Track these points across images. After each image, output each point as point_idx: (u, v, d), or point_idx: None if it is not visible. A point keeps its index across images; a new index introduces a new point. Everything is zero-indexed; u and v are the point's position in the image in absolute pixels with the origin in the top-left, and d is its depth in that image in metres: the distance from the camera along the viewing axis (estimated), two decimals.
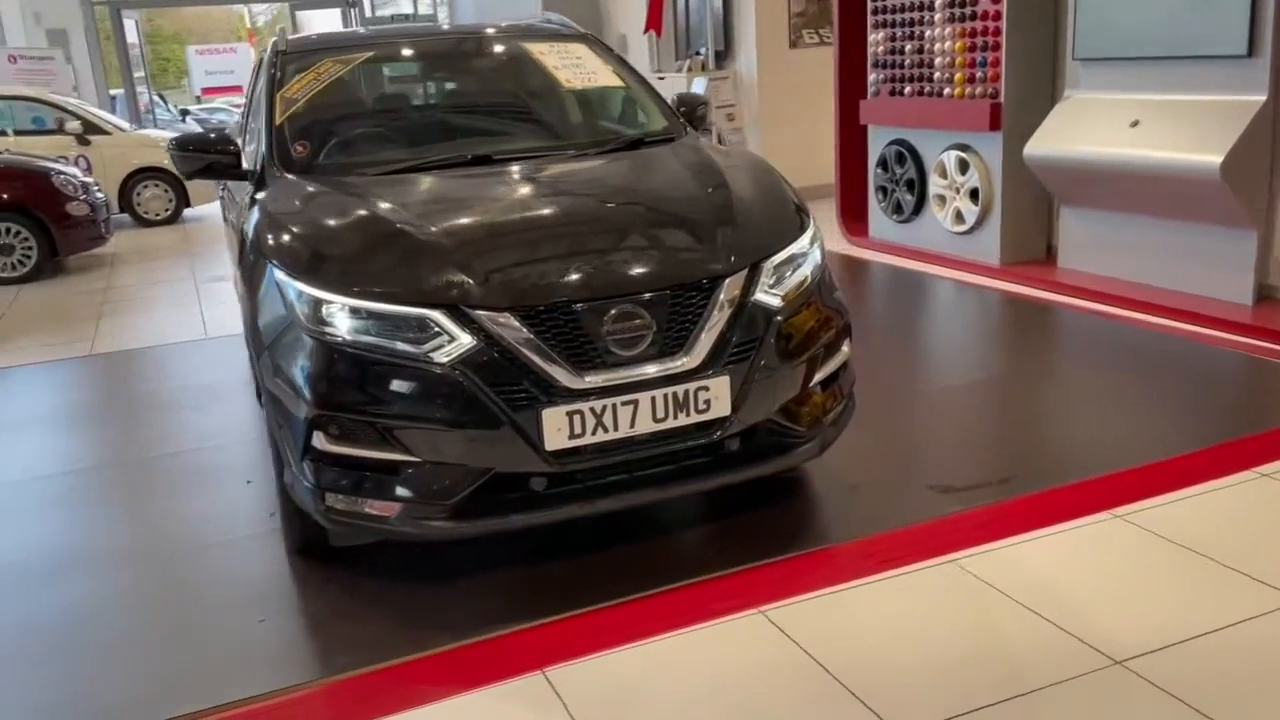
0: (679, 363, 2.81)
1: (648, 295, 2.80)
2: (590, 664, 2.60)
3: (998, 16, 6.19)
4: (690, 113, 4.20)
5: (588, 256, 2.90)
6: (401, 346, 2.68)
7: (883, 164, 7.36)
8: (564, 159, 3.65)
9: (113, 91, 15.87)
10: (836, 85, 7.71)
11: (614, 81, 4.15)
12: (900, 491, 3.52)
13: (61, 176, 8.70)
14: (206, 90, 33.06)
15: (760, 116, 9.69)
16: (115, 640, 2.88)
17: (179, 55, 38.13)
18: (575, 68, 4.11)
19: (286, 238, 3.01)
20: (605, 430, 2.75)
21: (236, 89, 32.98)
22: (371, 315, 2.72)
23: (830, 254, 6.89)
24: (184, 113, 19.34)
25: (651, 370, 2.78)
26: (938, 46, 6.66)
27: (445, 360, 2.66)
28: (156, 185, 11.31)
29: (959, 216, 6.72)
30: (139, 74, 16.75)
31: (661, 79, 10.50)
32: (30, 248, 8.36)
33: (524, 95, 4.18)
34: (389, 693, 2.55)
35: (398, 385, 2.68)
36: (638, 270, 2.88)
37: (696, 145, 3.78)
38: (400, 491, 2.73)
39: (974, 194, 6.54)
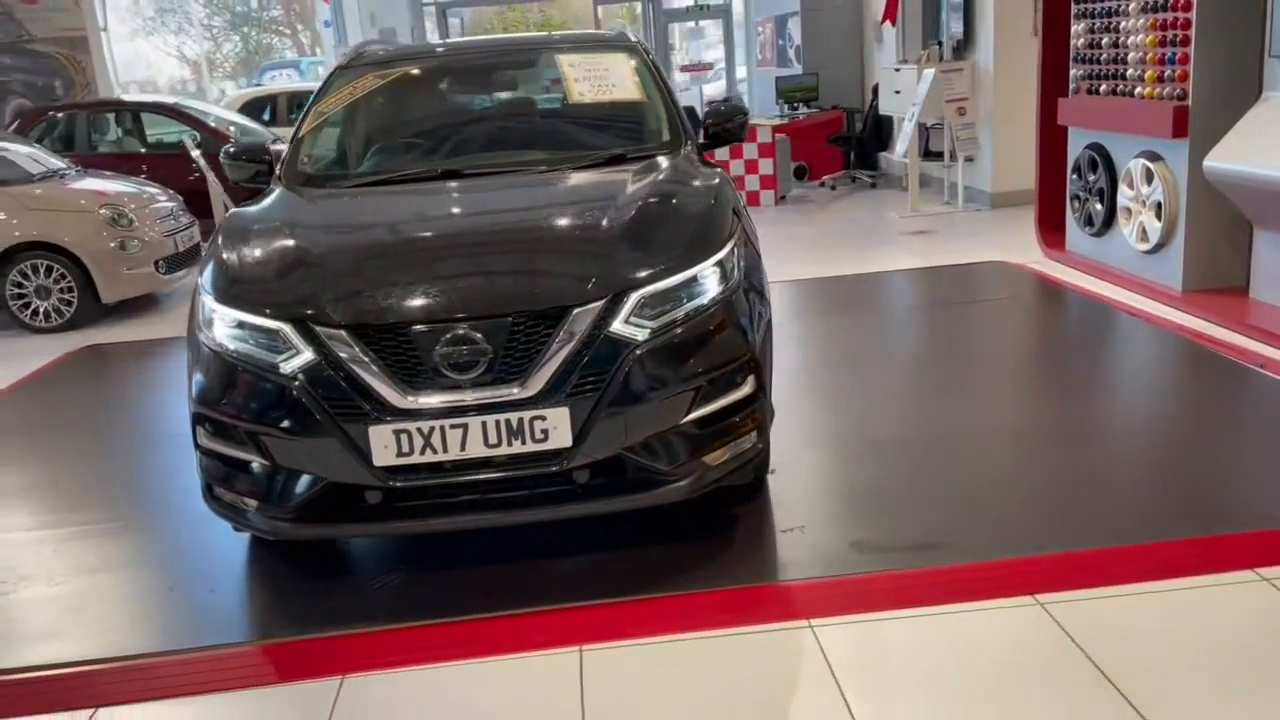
0: (511, 390, 2.81)
1: (486, 321, 2.82)
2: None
3: (1188, 6, 5.35)
4: (719, 126, 4.07)
5: (441, 280, 2.97)
6: (259, 356, 2.90)
7: (1077, 170, 6.61)
8: (524, 175, 3.71)
9: None
10: (1039, 82, 7.00)
11: (631, 95, 4.11)
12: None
13: None
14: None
15: (995, 110, 8.97)
16: None
17: None
18: (596, 80, 4.13)
19: (214, 248, 3.32)
20: (434, 451, 2.81)
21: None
22: (239, 325, 2.96)
23: (1005, 267, 6.33)
24: None
25: (481, 395, 2.81)
26: (1131, 40, 5.86)
27: (288, 371, 2.85)
28: None
29: (1143, 233, 5.91)
30: None
31: (897, 71, 10.03)
32: None
33: (531, 109, 4.26)
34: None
35: (254, 392, 2.91)
36: (481, 296, 2.91)
37: (662, 164, 3.68)
38: (255, 490, 2.96)
39: (1159, 209, 5.72)
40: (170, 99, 11.74)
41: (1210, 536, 3.11)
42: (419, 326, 2.82)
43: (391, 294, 2.91)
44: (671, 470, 2.96)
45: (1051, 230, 7.11)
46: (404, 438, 2.80)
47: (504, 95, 4.42)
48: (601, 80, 4.13)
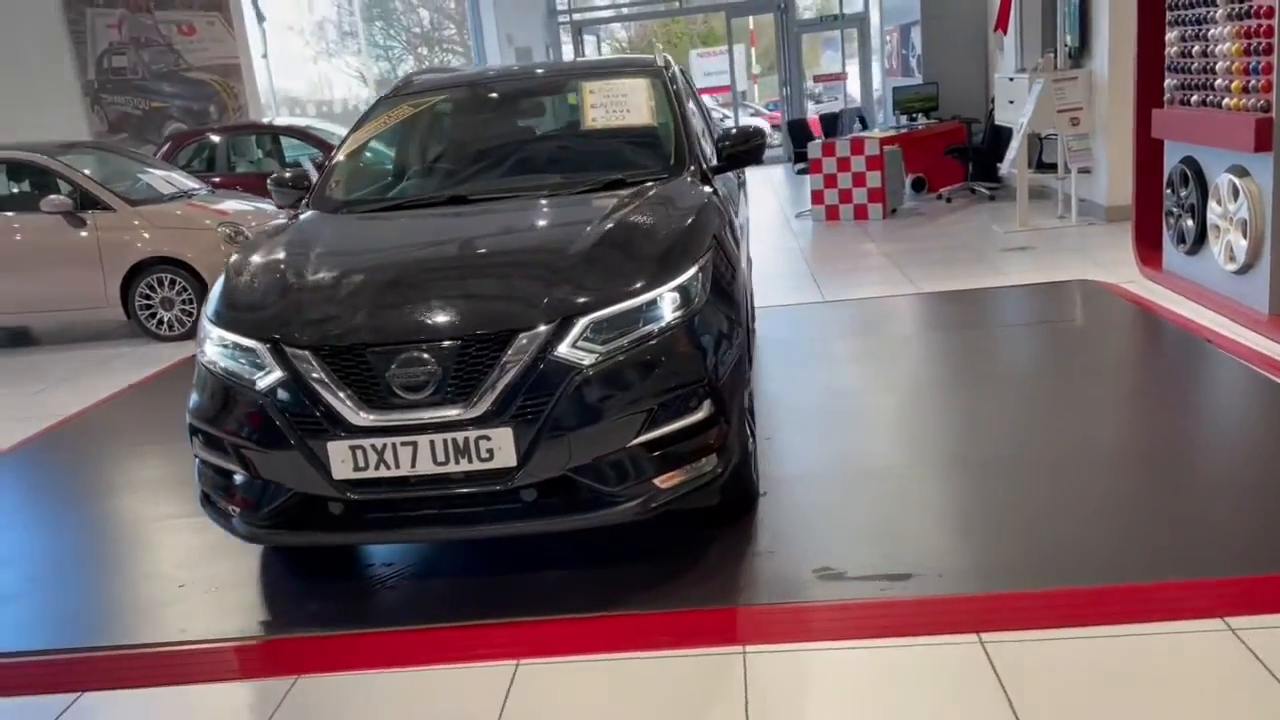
0: (457, 410, 2.94)
1: (436, 344, 2.96)
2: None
3: (1270, 13, 5.02)
4: (734, 149, 4.11)
5: (398, 304, 3.13)
6: (242, 374, 3.13)
7: (1170, 184, 6.26)
8: (519, 201, 3.85)
9: None
10: (1135, 93, 6.66)
11: (643, 120, 4.19)
12: None
13: None
14: (700, 90, 35.53)
15: (1111, 121, 8.56)
16: None
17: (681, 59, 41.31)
18: (612, 106, 4.23)
19: (224, 270, 3.58)
20: (387, 467, 2.97)
21: (725, 89, 35.21)
22: (223, 343, 3.20)
23: (1091, 286, 6.06)
24: None
25: (430, 415, 2.95)
26: (1219, 48, 5.53)
27: (262, 389, 3.06)
28: None
29: (1230, 253, 5.56)
30: None
31: (1011, 80, 9.71)
32: None
33: (546, 136, 4.38)
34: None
35: (235, 406, 3.14)
36: (434, 320, 3.04)
37: (653, 189, 3.75)
38: (237, 497, 3.19)
39: (1244, 227, 5.37)
40: (304, 122, 12.45)
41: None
42: (374, 348, 2.99)
43: (352, 317, 3.09)
44: (619, 491, 3.03)
45: (1149, 248, 6.75)
46: (359, 453, 2.96)
47: (523, 123, 4.56)
48: (617, 106, 4.22)
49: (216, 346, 3.22)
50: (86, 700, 2.90)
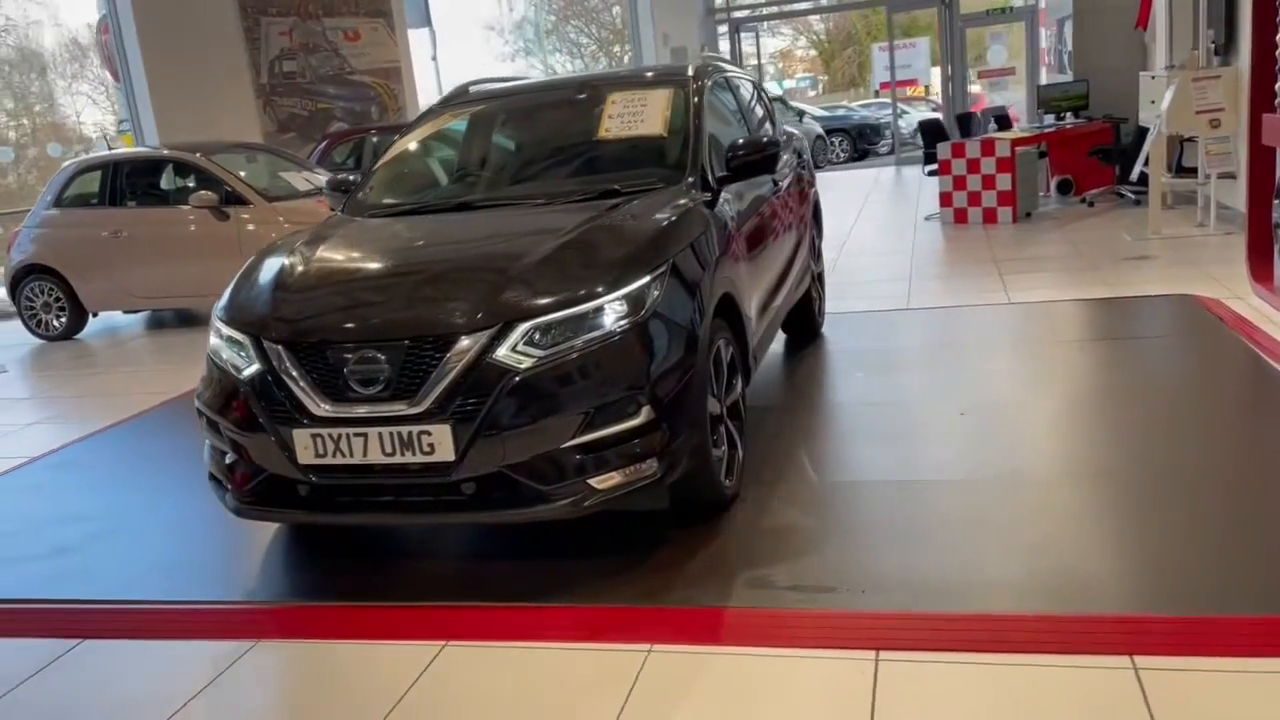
0: (403, 406, 3.17)
1: (387, 344, 3.20)
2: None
3: None
4: (741, 159, 4.18)
5: (361, 305, 3.38)
6: (234, 363, 3.46)
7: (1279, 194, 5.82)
8: (514, 209, 4.05)
9: None
10: (1249, 97, 6.21)
11: (654, 131, 4.29)
12: None
13: None
14: (884, 85, 34.69)
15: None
16: None
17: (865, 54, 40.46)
18: (629, 117, 4.35)
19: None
20: (343, 455, 3.24)
21: (912, 82, 34.11)
22: (223, 335, 3.55)
23: (1190, 302, 5.77)
24: (800, 114, 20.89)
25: (378, 409, 3.19)
26: None
27: (245, 377, 3.39)
28: None
29: None
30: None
31: (1153, 79, 9.16)
32: None
33: (557, 146, 4.53)
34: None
35: (226, 392, 3.48)
36: (385, 321, 3.28)
37: (641, 199, 3.86)
38: (228, 475, 3.53)
39: None
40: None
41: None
42: (334, 346, 3.25)
43: (319, 317, 3.37)
44: (554, 490, 3.18)
45: (1263, 261, 6.29)
46: (319, 440, 3.24)
47: (542, 133, 4.72)
48: (634, 117, 4.34)
49: (219, 339, 3.58)
50: (86, 645, 3.31)
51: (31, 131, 26.65)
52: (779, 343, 6.12)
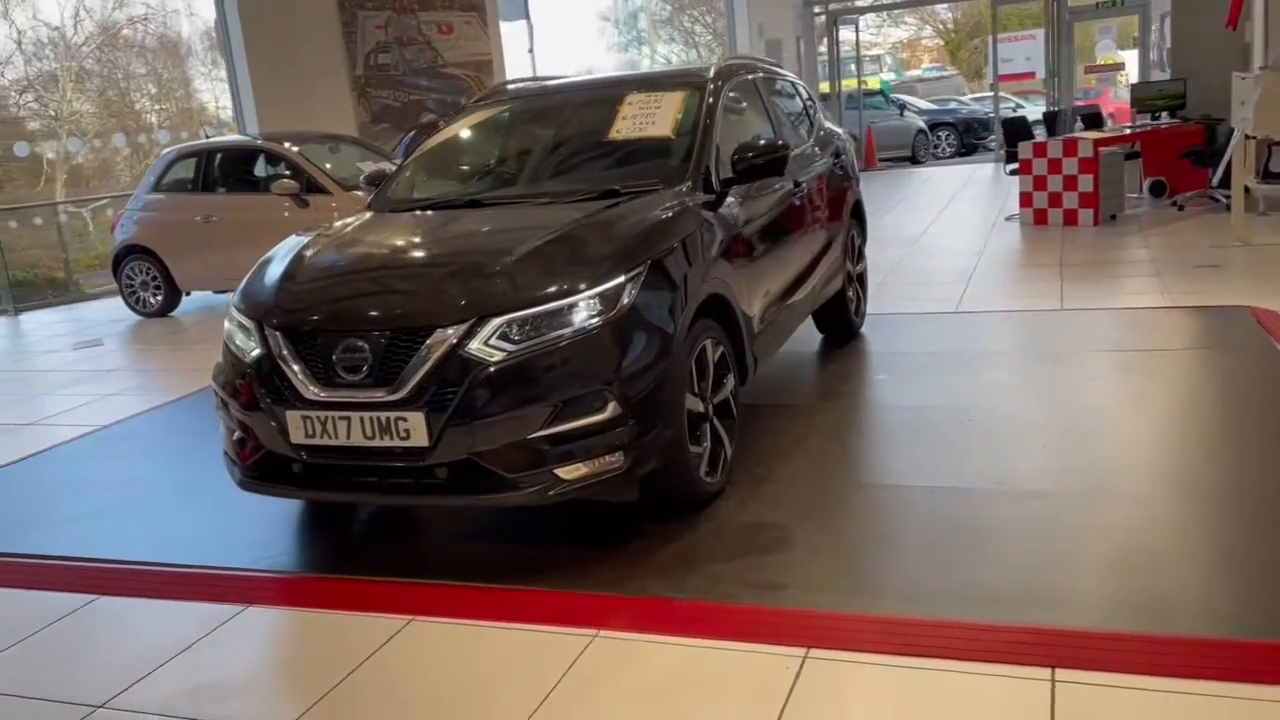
0: (382, 393, 3.36)
1: (370, 334, 3.40)
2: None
3: None
4: (747, 163, 4.24)
5: (353, 296, 3.59)
6: (243, 347, 3.71)
7: None
8: (517, 207, 4.21)
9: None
10: None
11: (663, 133, 4.38)
12: None
13: None
14: (1002, 77, 33.66)
15: None
16: None
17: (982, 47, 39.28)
18: (642, 118, 4.45)
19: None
20: (330, 437, 3.45)
21: (1030, 75, 32.96)
22: (232, 320, 3.80)
23: (1245, 313, 5.82)
24: (900, 108, 20.54)
25: (361, 395, 3.39)
26: None
27: (249, 359, 3.63)
28: None
29: None
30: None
31: (1243, 79, 8.78)
32: None
33: (569, 147, 4.65)
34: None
35: (235, 374, 3.73)
36: (369, 312, 3.48)
37: (637, 199, 3.96)
38: (236, 451, 3.79)
39: None
40: None
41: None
42: (324, 334, 3.47)
43: (315, 306, 3.59)
44: (520, 477, 3.33)
45: None
46: (308, 422, 3.46)
47: (557, 133, 4.83)
48: (646, 118, 4.44)
49: (231, 324, 3.84)
50: (101, 601, 3.61)
51: (170, 117, 28.11)
52: (812, 342, 6.14)
